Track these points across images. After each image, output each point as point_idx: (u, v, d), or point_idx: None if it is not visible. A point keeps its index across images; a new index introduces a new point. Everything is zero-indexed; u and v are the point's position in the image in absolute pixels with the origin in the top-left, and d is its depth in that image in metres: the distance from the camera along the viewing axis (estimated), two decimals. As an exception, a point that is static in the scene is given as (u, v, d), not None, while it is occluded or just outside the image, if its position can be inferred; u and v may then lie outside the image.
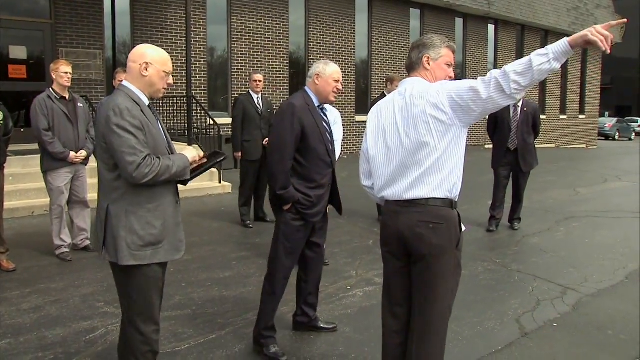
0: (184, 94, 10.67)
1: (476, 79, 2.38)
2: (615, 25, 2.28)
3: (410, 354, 2.57)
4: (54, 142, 5.18)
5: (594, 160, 17.33)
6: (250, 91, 7.01)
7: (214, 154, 2.90)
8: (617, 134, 32.52)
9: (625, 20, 2.45)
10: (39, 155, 5.37)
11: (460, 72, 18.15)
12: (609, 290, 4.90)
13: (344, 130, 7.76)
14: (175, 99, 11.11)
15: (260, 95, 7.01)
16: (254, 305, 4.32)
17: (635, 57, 46.13)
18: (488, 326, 4.05)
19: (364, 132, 2.82)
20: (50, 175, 5.32)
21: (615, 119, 34.01)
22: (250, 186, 7.03)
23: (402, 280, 2.62)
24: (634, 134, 34.48)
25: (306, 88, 3.56)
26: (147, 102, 2.64)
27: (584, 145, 24.64)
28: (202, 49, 12.32)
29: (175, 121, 11.11)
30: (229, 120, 9.23)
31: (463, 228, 2.57)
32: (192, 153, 2.72)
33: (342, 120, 6.00)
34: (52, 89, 5.31)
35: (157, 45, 2.73)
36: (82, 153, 5.41)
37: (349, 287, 4.81)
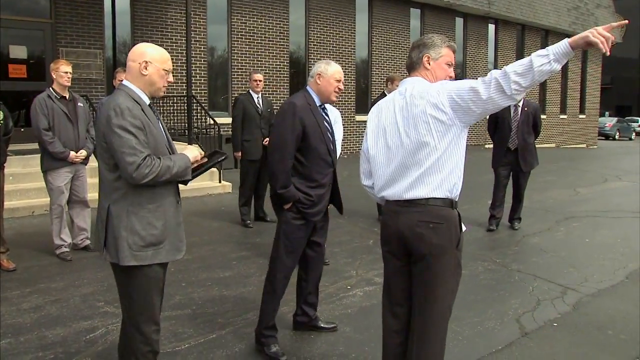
0: (184, 94, 10.68)
1: (477, 79, 2.38)
2: (616, 26, 2.28)
3: (411, 354, 2.57)
4: (54, 142, 5.18)
5: (594, 160, 17.33)
6: (250, 91, 7.01)
7: (215, 153, 2.90)
8: (618, 133, 32.51)
9: (627, 21, 2.45)
10: (39, 155, 5.37)
11: (461, 72, 18.14)
12: (609, 290, 4.90)
13: (344, 130, 7.76)
14: (175, 98, 11.11)
15: (260, 95, 7.01)
16: (254, 305, 4.32)
17: (636, 56, 46.12)
18: (488, 326, 4.05)
19: (364, 131, 2.82)
20: (50, 175, 5.32)
21: (615, 119, 34.01)
22: (251, 186, 7.03)
23: (402, 279, 2.62)
24: (634, 134, 34.48)
25: (308, 88, 3.57)
26: (147, 101, 2.63)
27: (584, 145, 24.64)
28: (202, 49, 12.32)
29: (176, 121, 11.12)
30: (229, 120, 9.23)
31: (463, 228, 2.57)
32: (193, 153, 2.71)
33: (342, 119, 5.99)
34: (52, 88, 5.31)
35: (158, 45, 2.73)
36: (82, 153, 5.41)
37: (349, 287, 4.81)
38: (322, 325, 3.87)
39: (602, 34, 2.19)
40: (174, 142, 2.81)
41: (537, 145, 7.17)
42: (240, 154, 6.94)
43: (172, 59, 2.75)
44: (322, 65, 3.51)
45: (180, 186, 2.79)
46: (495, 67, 19.38)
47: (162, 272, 2.69)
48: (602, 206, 8.82)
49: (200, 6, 12.20)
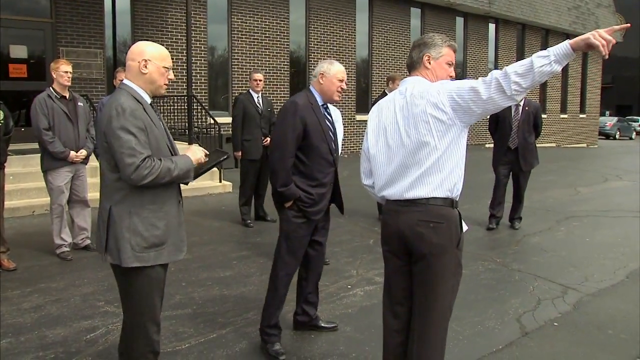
0: (185, 93, 10.67)
1: (477, 79, 2.38)
2: (618, 30, 2.28)
3: (411, 353, 2.57)
4: (54, 142, 5.18)
5: (594, 159, 17.33)
6: (251, 90, 7.00)
7: (216, 152, 2.89)
8: (618, 133, 32.49)
9: (628, 25, 2.45)
10: (39, 155, 5.37)
11: (461, 72, 18.14)
12: (609, 289, 4.90)
13: (344, 129, 7.76)
14: (175, 98, 11.11)
15: (260, 95, 7.01)
16: (254, 304, 4.32)
17: (636, 56, 46.10)
18: (488, 325, 4.04)
19: (364, 131, 2.82)
20: (50, 175, 5.32)
21: (615, 118, 33.99)
22: (251, 185, 7.03)
23: (402, 279, 2.62)
24: (634, 133, 34.46)
25: (311, 87, 3.59)
26: (149, 100, 2.62)
27: (585, 145, 24.64)
28: (202, 48, 12.32)
29: (176, 120, 11.11)
30: (229, 120, 9.23)
31: (464, 227, 2.57)
32: (196, 155, 2.68)
33: (343, 119, 6.00)
34: (53, 88, 5.31)
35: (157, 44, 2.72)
36: (82, 152, 5.41)
37: (349, 287, 4.81)
38: (322, 324, 3.88)
39: (604, 37, 2.19)
40: (174, 141, 2.81)
41: (537, 145, 7.17)
42: (240, 153, 6.94)
43: (173, 59, 2.74)
44: (325, 64, 3.53)
45: (181, 186, 2.78)
46: (496, 67, 19.38)
47: (164, 273, 2.69)
48: (603, 206, 8.82)
49: (201, 6, 12.20)
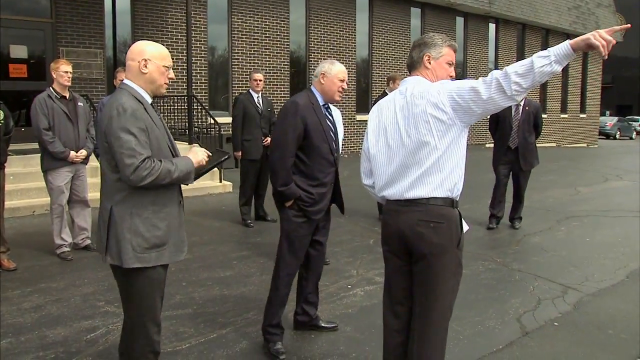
0: (185, 93, 10.68)
1: (477, 79, 2.38)
2: (619, 30, 2.29)
3: (411, 353, 2.57)
4: (54, 142, 5.18)
5: (594, 159, 17.32)
6: (251, 90, 7.00)
7: (216, 152, 2.88)
8: (618, 132, 32.49)
9: (629, 26, 2.45)
10: (39, 155, 5.37)
11: (461, 71, 18.14)
12: (609, 289, 4.89)
13: (344, 129, 7.75)
14: (175, 98, 11.11)
15: (260, 95, 7.01)
16: (254, 304, 4.33)
17: (636, 56, 46.10)
18: (489, 325, 4.04)
19: (364, 131, 2.82)
20: (50, 175, 5.32)
21: (616, 118, 33.99)
22: (251, 185, 7.03)
23: (403, 279, 2.62)
24: (634, 133, 34.46)
25: (312, 87, 3.60)
26: (150, 100, 2.61)
27: (585, 144, 24.63)
28: (202, 48, 12.32)
29: (176, 120, 11.11)
30: (229, 120, 9.24)
31: (465, 227, 2.57)
32: (197, 157, 2.65)
33: (343, 119, 6.00)
34: (53, 88, 5.31)
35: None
36: (82, 152, 5.41)
37: (349, 286, 4.81)
38: (322, 324, 3.88)
39: (604, 38, 2.19)
40: (175, 142, 2.80)
41: (537, 145, 7.17)
42: (240, 153, 6.94)
43: (173, 59, 2.73)
44: (326, 64, 3.54)
45: (182, 186, 2.77)
46: (496, 67, 19.38)
47: (164, 273, 2.68)
48: (603, 205, 8.82)
49: (201, 6, 12.20)
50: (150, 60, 2.56)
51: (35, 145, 5.45)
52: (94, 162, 6.57)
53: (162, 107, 11.11)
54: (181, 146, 8.37)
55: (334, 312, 4.23)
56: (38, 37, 10.28)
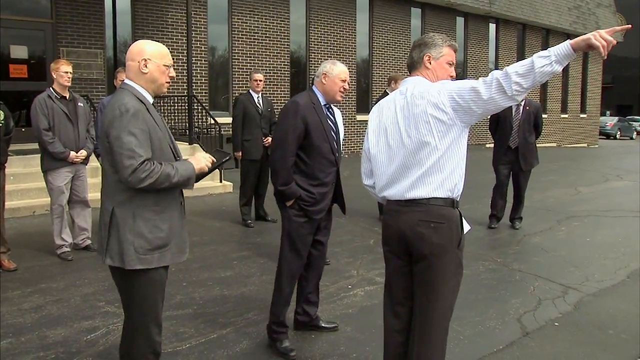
0: (185, 94, 10.68)
1: (478, 79, 2.38)
2: (619, 30, 2.29)
3: (412, 354, 2.57)
4: (54, 142, 5.18)
5: (595, 159, 17.32)
6: (251, 90, 7.00)
7: (217, 153, 2.86)
8: (619, 133, 32.49)
9: (629, 26, 2.45)
10: (39, 155, 5.36)
11: (462, 72, 18.14)
12: (610, 289, 4.89)
13: (345, 129, 7.75)
14: (176, 98, 11.11)
15: (260, 95, 7.01)
16: (255, 304, 4.33)
17: (637, 56, 46.11)
18: (489, 325, 4.04)
19: (364, 131, 2.82)
20: (50, 175, 5.32)
21: (616, 118, 33.99)
22: (251, 186, 7.03)
23: (403, 279, 2.62)
24: (635, 133, 34.44)
25: (313, 87, 3.61)
26: (151, 100, 2.59)
27: (585, 144, 24.63)
28: (203, 49, 12.32)
29: (176, 120, 11.12)
30: (229, 120, 9.25)
31: (466, 227, 2.57)
32: (200, 164, 2.61)
33: (343, 119, 6.00)
34: (53, 88, 5.30)
35: (157, 43, 2.69)
36: (82, 153, 5.41)
37: (350, 287, 4.81)
38: (323, 324, 3.88)
39: (605, 38, 2.20)
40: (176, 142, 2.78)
41: (538, 145, 7.17)
42: (240, 153, 6.94)
43: (173, 59, 2.71)
44: (327, 65, 3.55)
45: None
46: (496, 67, 19.37)
47: (165, 274, 2.66)
48: (603, 205, 8.81)
49: (201, 6, 12.20)
50: (150, 59, 2.54)
51: (36, 146, 5.45)
52: (94, 163, 6.57)
53: (162, 108, 11.12)
54: (181, 146, 8.36)
55: (335, 312, 4.23)
56: (38, 37, 10.28)
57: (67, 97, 5.35)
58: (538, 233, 6.91)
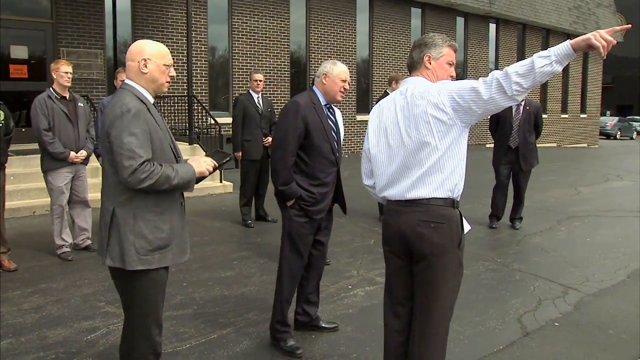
0: (185, 94, 10.68)
1: (478, 79, 2.38)
2: (619, 30, 2.29)
3: (412, 354, 2.57)
4: (54, 142, 5.18)
5: (595, 159, 17.32)
6: (251, 91, 7.00)
7: (217, 153, 2.85)
8: (619, 133, 32.49)
9: (629, 26, 2.46)
10: (39, 155, 5.36)
11: (462, 72, 18.13)
12: (610, 289, 4.89)
13: (345, 129, 7.75)
14: (176, 98, 11.11)
15: (260, 95, 7.01)
16: (255, 304, 4.33)
17: (637, 56, 46.11)
18: (489, 325, 4.04)
19: (365, 131, 2.82)
20: (50, 175, 5.32)
21: (616, 118, 33.99)
22: (251, 186, 7.03)
23: (403, 279, 2.62)
24: (635, 133, 34.45)
25: (314, 87, 3.62)
26: (152, 100, 2.58)
27: (586, 145, 24.63)
28: (203, 49, 12.32)
29: (177, 121, 11.12)
30: (229, 120, 9.25)
31: (466, 227, 2.57)
32: (201, 167, 2.59)
33: (343, 119, 6.00)
34: (53, 88, 5.30)
35: (157, 43, 2.69)
36: (83, 153, 5.41)
37: (350, 287, 4.81)
38: (323, 325, 3.88)
39: (605, 38, 2.20)
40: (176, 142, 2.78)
41: (538, 145, 7.18)
42: (240, 154, 6.94)
43: (173, 59, 2.70)
44: (328, 65, 3.56)
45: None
46: (497, 67, 19.37)
47: (166, 275, 2.66)
48: (604, 205, 8.81)
49: (201, 6, 12.20)
50: (150, 59, 2.53)
51: (36, 146, 5.45)
52: (94, 163, 6.57)
53: (162, 108, 11.12)
54: (181, 146, 8.36)
55: (335, 312, 4.23)
56: (38, 37, 10.28)
57: (67, 97, 5.35)
58: (538, 233, 6.91)
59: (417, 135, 2.45)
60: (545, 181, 11.15)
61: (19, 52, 10.09)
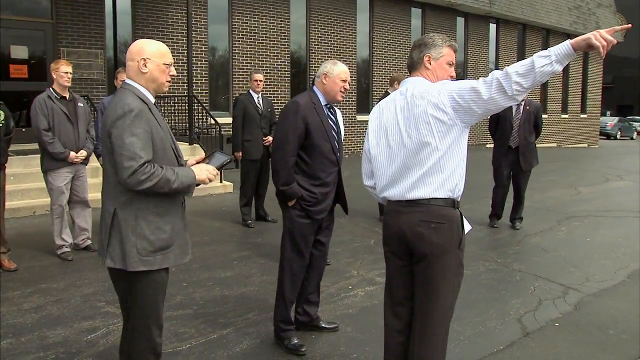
0: (185, 94, 10.68)
1: (478, 79, 2.38)
2: (619, 30, 2.29)
3: (412, 354, 2.57)
4: (54, 142, 5.18)
5: (595, 159, 17.31)
6: (251, 91, 7.00)
7: (217, 154, 2.85)
8: (619, 133, 32.48)
9: (629, 25, 2.46)
10: (39, 155, 5.36)
11: (462, 72, 18.13)
12: (610, 289, 4.89)
13: (345, 129, 7.76)
14: (176, 98, 11.12)
15: (260, 95, 7.01)
16: (255, 304, 4.33)
17: (637, 56, 46.09)
18: (489, 326, 4.04)
19: (365, 131, 2.82)
20: (50, 175, 5.32)
21: (616, 118, 33.98)
22: (252, 186, 7.03)
23: (404, 279, 2.62)
24: (635, 133, 34.43)
25: (314, 87, 3.62)
26: (153, 100, 2.57)
27: (586, 145, 24.62)
28: (203, 49, 12.32)
29: (177, 121, 11.12)
30: (230, 120, 9.25)
31: (467, 227, 2.57)
32: (201, 176, 2.58)
33: (343, 119, 6.00)
34: (53, 88, 5.30)
35: (157, 42, 2.68)
36: (82, 153, 5.41)
37: (350, 287, 4.81)
38: (323, 325, 3.88)
39: (605, 38, 2.20)
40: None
41: (538, 145, 7.18)
42: (240, 154, 6.94)
43: (173, 59, 2.70)
44: (328, 65, 3.56)
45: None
46: (497, 67, 19.37)
47: (167, 276, 2.65)
48: (604, 206, 8.81)
49: (201, 6, 12.20)
50: (150, 59, 2.52)
51: (36, 146, 5.45)
52: (94, 163, 6.57)
53: (162, 108, 11.12)
54: (182, 146, 8.36)
55: (335, 312, 4.23)
56: (38, 37, 10.28)
57: (67, 98, 5.35)
58: (538, 233, 6.91)
59: (418, 136, 2.45)
60: (545, 181, 11.15)
61: (19, 52, 10.09)
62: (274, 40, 13.51)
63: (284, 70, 13.77)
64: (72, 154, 5.29)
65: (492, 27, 19.73)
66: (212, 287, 4.76)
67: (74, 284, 4.76)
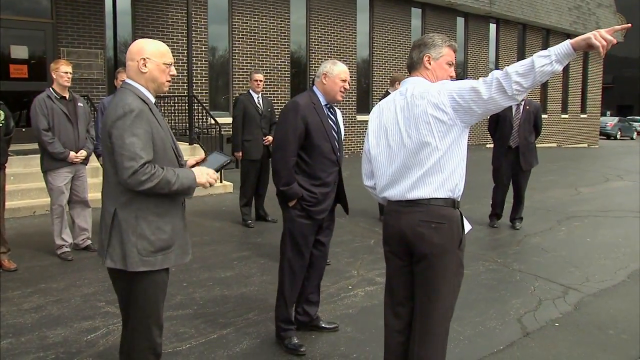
0: (185, 94, 10.68)
1: (478, 79, 2.38)
2: (619, 30, 2.29)
3: (412, 354, 2.57)
4: (54, 142, 5.18)
5: (595, 159, 17.31)
6: (251, 91, 7.00)
7: (217, 154, 2.85)
8: (619, 133, 32.48)
9: (629, 25, 2.46)
10: (39, 155, 5.36)
11: (462, 72, 18.13)
12: (610, 289, 4.89)
13: (345, 129, 7.75)
14: (176, 98, 11.12)
15: (260, 95, 7.01)
16: (255, 304, 4.33)
17: (637, 56, 46.08)
18: (489, 326, 4.04)
19: (365, 131, 2.82)
20: (50, 175, 5.32)
21: (616, 118, 33.97)
22: (252, 186, 7.03)
23: (404, 279, 2.62)
24: (635, 133, 34.43)
25: (314, 87, 3.62)
26: (153, 100, 2.56)
27: (586, 145, 24.62)
28: (203, 49, 12.32)
29: (177, 121, 11.12)
30: (230, 120, 9.25)
31: (467, 227, 2.57)
32: (201, 179, 2.56)
33: (343, 119, 6.00)
34: (52, 88, 5.30)
35: (157, 42, 2.67)
36: (82, 153, 5.40)
37: (350, 287, 4.81)
38: (323, 325, 3.88)
39: (605, 38, 2.20)
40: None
41: (538, 145, 7.18)
42: (240, 154, 6.94)
43: (173, 59, 2.69)
44: (328, 65, 3.56)
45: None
46: (497, 67, 19.37)
47: (167, 276, 2.65)
48: (604, 206, 8.81)
49: (201, 6, 12.20)
50: (150, 58, 2.52)
51: (36, 146, 5.45)
52: (94, 163, 6.57)
53: (162, 108, 11.12)
54: (182, 146, 8.35)
55: (335, 312, 4.23)
56: (39, 37, 10.28)
57: (67, 97, 5.35)
58: (538, 233, 6.91)
59: (418, 136, 2.45)
60: (545, 181, 11.15)
61: (19, 52, 10.09)
62: (274, 40, 13.51)
63: (284, 70, 13.77)
64: (72, 154, 5.29)
65: (492, 27, 19.73)
66: (212, 287, 4.76)
67: (74, 284, 4.76)
